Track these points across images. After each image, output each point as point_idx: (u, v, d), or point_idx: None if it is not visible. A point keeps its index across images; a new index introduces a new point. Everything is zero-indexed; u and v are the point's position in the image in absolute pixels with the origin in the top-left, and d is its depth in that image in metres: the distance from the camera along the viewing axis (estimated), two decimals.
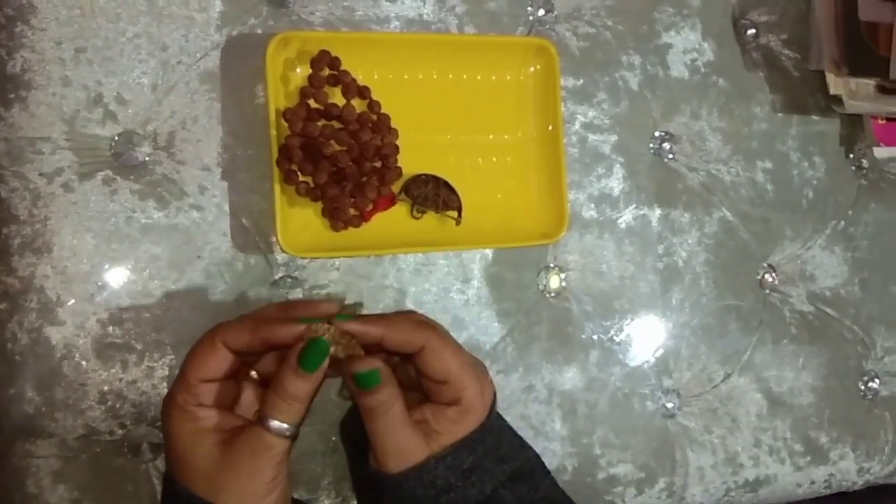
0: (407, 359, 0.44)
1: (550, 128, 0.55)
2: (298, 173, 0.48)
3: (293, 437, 0.40)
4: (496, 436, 0.45)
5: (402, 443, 0.41)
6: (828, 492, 0.68)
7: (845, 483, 0.68)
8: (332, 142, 0.48)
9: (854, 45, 0.62)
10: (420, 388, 0.44)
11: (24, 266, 0.47)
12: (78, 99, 0.48)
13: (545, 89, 0.55)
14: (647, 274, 0.61)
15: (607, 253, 0.60)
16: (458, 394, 0.42)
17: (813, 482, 0.66)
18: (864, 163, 0.69)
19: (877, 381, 0.68)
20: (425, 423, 0.42)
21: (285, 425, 0.39)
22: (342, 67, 0.49)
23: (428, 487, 0.41)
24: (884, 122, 0.67)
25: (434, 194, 0.52)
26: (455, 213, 0.53)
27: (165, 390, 0.49)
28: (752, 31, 0.64)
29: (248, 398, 0.43)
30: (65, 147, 0.48)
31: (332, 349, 0.40)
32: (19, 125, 0.47)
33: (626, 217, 0.60)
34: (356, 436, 0.45)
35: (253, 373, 0.44)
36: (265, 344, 0.40)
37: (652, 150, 0.61)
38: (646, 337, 0.61)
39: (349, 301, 0.53)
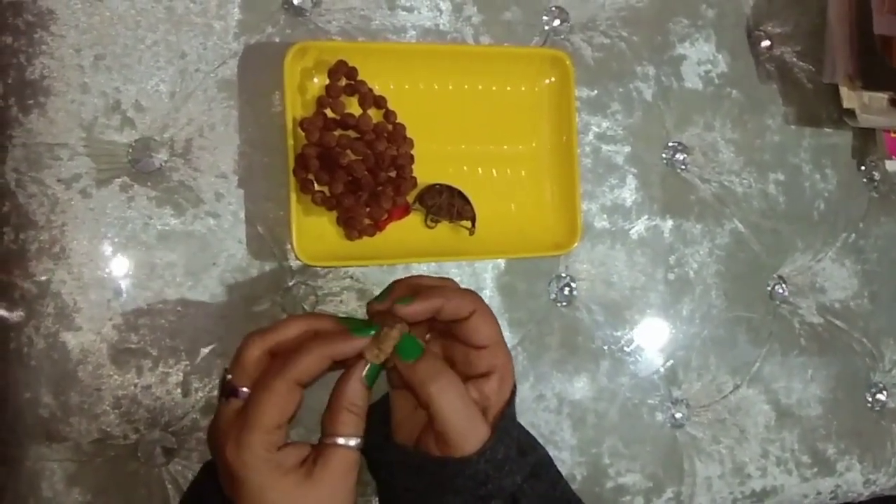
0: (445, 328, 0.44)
1: (564, 138, 0.55)
2: (314, 182, 0.48)
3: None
4: (517, 426, 0.46)
5: (471, 420, 0.41)
6: (834, 503, 0.68)
7: (851, 494, 0.68)
8: (348, 151, 0.48)
9: (868, 59, 0.62)
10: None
11: (41, 271, 0.47)
12: (96, 105, 0.48)
13: (560, 100, 0.55)
14: (657, 284, 0.61)
15: (618, 263, 0.60)
16: (494, 360, 0.43)
17: (819, 493, 0.66)
18: (876, 175, 0.69)
19: (885, 393, 0.68)
20: (476, 402, 0.42)
21: (357, 438, 0.40)
22: (359, 77, 0.49)
23: (468, 479, 0.41)
24: None
25: (448, 204, 0.53)
26: (469, 223, 0.53)
27: (179, 396, 0.49)
28: (766, 43, 0.64)
29: None
30: (83, 153, 0.48)
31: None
32: (38, 131, 0.47)
33: (638, 227, 0.60)
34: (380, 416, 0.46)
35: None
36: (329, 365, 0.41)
37: (665, 161, 0.62)
38: (656, 347, 0.61)
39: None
